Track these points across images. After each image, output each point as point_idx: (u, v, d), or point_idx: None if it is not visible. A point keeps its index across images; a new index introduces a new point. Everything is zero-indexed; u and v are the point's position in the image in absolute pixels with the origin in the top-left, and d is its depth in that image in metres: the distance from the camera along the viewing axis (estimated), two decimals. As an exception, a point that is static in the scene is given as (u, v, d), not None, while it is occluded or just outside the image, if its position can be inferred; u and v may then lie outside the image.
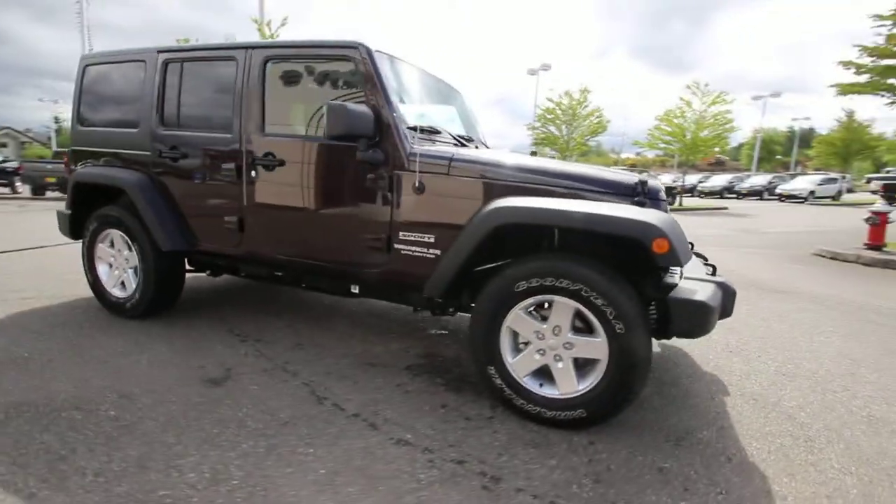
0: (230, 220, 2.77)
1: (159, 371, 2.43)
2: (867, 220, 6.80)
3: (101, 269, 3.25)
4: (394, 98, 2.35)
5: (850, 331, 3.54)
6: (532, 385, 2.07)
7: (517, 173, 2.17)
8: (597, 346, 1.92)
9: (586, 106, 18.36)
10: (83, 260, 3.26)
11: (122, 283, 3.20)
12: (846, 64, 8.03)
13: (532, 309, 2.04)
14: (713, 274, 2.31)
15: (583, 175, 2.15)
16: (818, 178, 23.84)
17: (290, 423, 1.99)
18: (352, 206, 2.46)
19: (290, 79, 2.66)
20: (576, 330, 1.99)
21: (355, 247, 2.47)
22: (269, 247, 2.71)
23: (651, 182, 2.09)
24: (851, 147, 22.80)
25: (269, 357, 2.67)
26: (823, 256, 6.81)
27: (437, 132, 2.62)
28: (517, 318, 2.05)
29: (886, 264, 6.06)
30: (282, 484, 1.61)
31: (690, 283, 2.01)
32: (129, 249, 3.11)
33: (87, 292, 3.40)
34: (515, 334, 2.11)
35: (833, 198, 23.26)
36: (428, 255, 2.32)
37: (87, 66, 3.26)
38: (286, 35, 13.28)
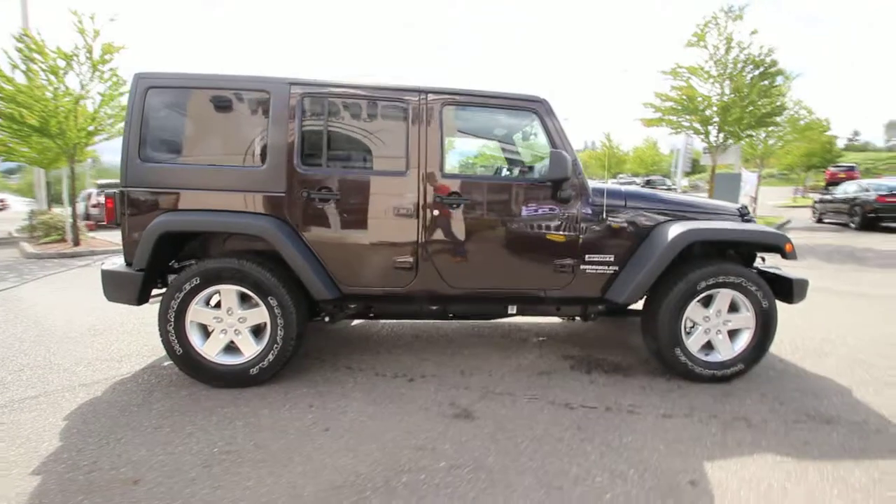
0: (403, 260, 2.74)
1: (395, 423, 2.34)
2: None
3: (195, 336, 2.68)
4: (571, 142, 2.82)
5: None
6: (702, 356, 2.86)
7: (672, 205, 2.94)
8: (748, 319, 2.83)
9: None
10: (167, 327, 2.61)
11: (229, 348, 2.71)
12: (646, 105, 11.28)
13: (699, 300, 2.84)
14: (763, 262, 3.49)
15: (708, 204, 3.06)
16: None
17: (581, 428, 2.32)
18: (543, 237, 2.81)
19: (467, 123, 2.83)
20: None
21: (544, 272, 2.84)
22: (448, 281, 2.80)
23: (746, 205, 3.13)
24: (612, 161, 30.99)
25: (464, 387, 2.77)
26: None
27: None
28: (694, 309, 2.81)
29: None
30: (666, 462, 2.01)
31: (773, 269, 3.11)
32: (245, 306, 2.69)
33: (105, 373, 2.73)
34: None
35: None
36: (608, 272, 2.88)
37: (151, 88, 2.63)
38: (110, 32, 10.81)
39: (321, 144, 2.71)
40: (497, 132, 2.95)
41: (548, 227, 2.81)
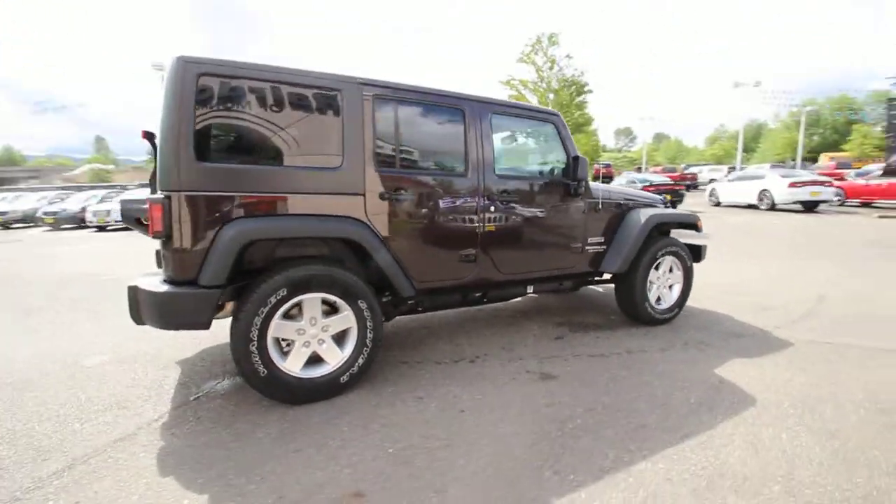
0: (467, 253, 3.01)
1: (506, 394, 2.68)
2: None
3: (275, 353, 2.44)
4: (575, 149, 3.52)
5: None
6: (657, 306, 3.96)
7: (634, 198, 3.93)
8: (679, 276, 4.04)
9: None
10: (249, 348, 2.32)
11: (311, 359, 2.56)
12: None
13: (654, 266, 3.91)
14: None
15: (649, 196, 4.16)
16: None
17: (628, 367, 3.07)
18: (569, 225, 3.46)
19: (503, 130, 3.20)
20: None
21: (567, 255, 3.50)
22: (500, 269, 3.18)
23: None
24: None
25: (518, 358, 3.23)
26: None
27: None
28: (652, 273, 3.87)
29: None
30: (696, 375, 2.90)
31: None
32: (328, 314, 2.58)
33: (133, 421, 2.37)
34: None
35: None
36: (600, 250, 3.71)
37: (202, 75, 2.24)
38: None
39: (393, 146, 2.77)
40: (517, 138, 3.47)
41: (571, 217, 3.48)
